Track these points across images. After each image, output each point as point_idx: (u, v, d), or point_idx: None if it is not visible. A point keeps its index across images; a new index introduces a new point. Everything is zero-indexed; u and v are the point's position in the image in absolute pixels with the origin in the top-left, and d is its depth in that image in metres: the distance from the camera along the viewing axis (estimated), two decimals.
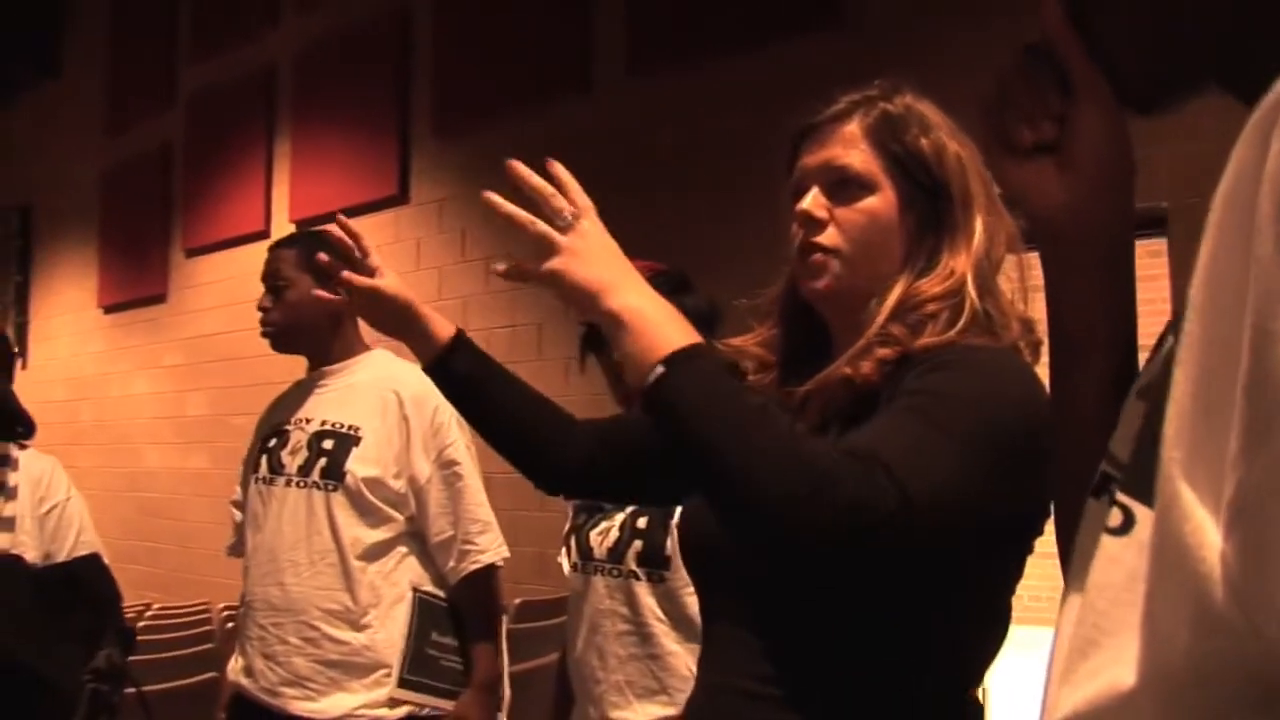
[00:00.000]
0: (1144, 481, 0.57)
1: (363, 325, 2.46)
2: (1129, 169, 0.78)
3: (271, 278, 2.45)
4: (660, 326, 1.03)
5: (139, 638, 4.34)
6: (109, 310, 9.02)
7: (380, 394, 2.39)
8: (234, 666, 2.41)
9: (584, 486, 1.58)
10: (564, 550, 2.21)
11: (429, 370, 1.44)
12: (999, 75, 0.81)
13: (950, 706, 1.17)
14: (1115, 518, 0.60)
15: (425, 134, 6.42)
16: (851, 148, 1.23)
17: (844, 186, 1.23)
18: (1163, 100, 0.73)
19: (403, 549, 2.36)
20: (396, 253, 6.32)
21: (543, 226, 1.11)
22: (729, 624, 1.22)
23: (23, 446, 2.45)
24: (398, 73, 6.62)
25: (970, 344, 1.14)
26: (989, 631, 1.20)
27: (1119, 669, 0.55)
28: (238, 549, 2.54)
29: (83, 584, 2.36)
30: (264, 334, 2.49)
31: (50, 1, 9.92)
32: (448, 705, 2.31)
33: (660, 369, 0.99)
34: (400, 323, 1.45)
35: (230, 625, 4.74)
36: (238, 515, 2.55)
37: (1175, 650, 0.51)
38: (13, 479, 2.36)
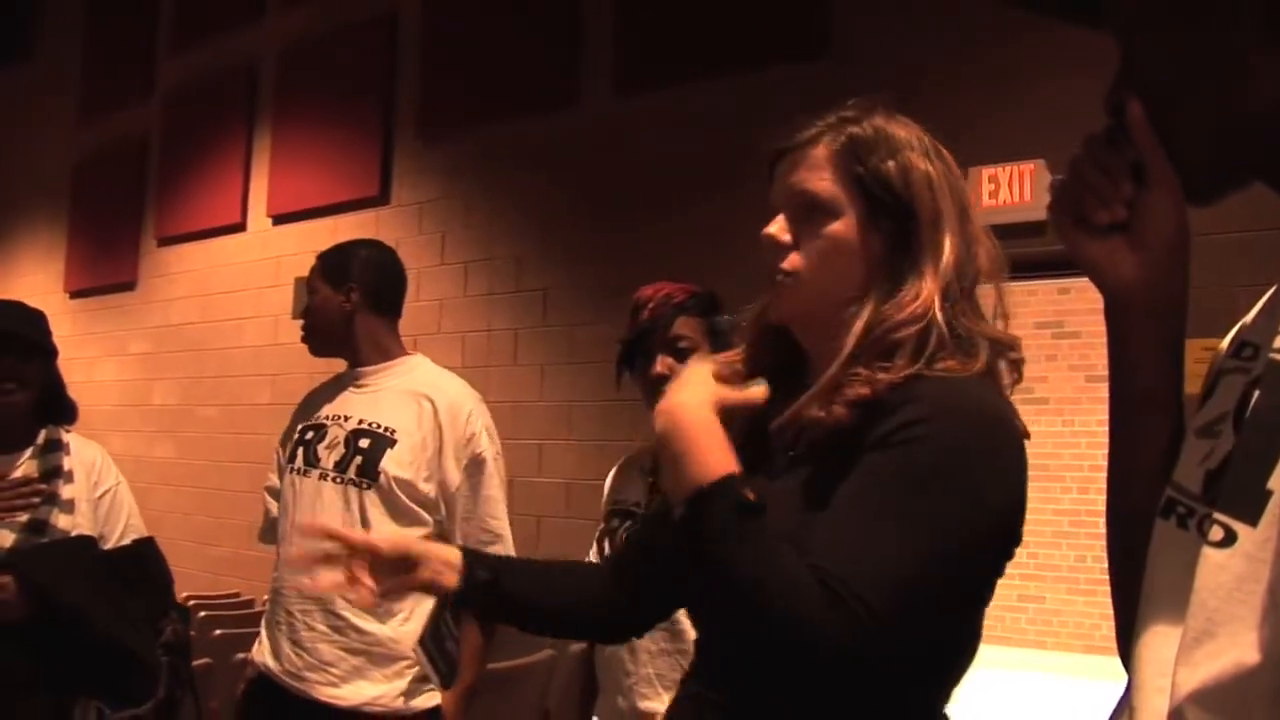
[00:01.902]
0: (1243, 506, 0.74)
1: (402, 330, 2.65)
2: (1188, 248, 0.92)
3: (307, 284, 2.64)
4: (684, 465, 1.12)
5: None
6: (75, 295, 8.95)
7: (417, 399, 2.51)
8: (260, 649, 2.48)
9: (644, 625, 1.56)
10: (594, 549, 2.31)
11: (460, 598, 1.41)
12: (1074, 160, 0.93)
13: None
14: (1216, 534, 0.76)
15: (409, 137, 6.46)
16: (817, 172, 1.25)
17: (809, 211, 1.25)
18: (1218, 194, 0.88)
19: None
20: None
21: None
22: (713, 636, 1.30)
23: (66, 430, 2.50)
24: (383, 74, 6.65)
25: (940, 379, 1.15)
26: (960, 649, 1.23)
27: (1238, 650, 0.71)
28: (269, 535, 2.63)
29: (148, 563, 2.44)
30: (302, 340, 2.67)
31: None
32: (434, 691, 2.38)
33: (691, 504, 1.10)
34: (408, 569, 1.40)
35: (203, 615, 4.75)
36: (272, 503, 2.63)
37: None
38: (67, 463, 2.41)
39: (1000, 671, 7.24)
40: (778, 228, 1.26)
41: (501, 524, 2.51)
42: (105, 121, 8.83)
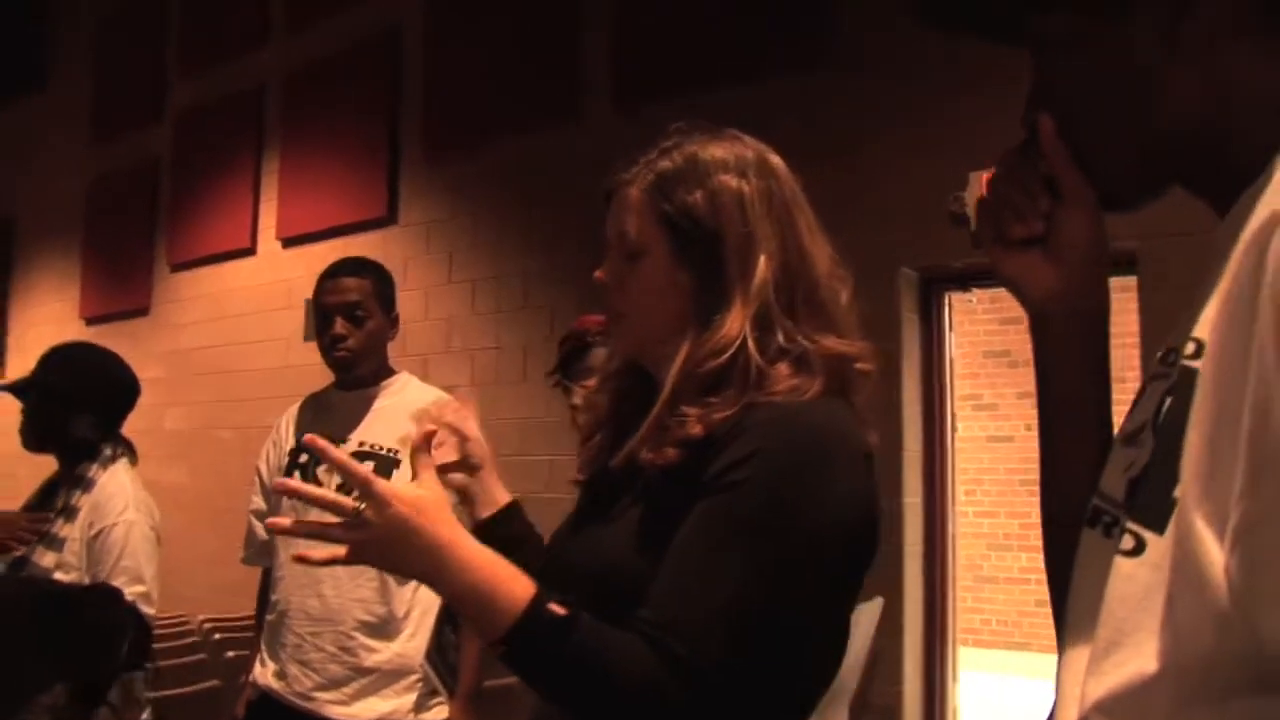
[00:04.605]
0: (1152, 514, 0.74)
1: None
2: (1106, 260, 0.93)
3: (350, 307, 2.53)
4: (484, 611, 1.08)
5: None
6: (91, 322, 9.01)
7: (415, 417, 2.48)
8: (263, 671, 2.48)
9: None
10: None
11: (476, 529, 1.44)
12: (993, 177, 0.95)
13: None
14: (1128, 542, 0.76)
15: (415, 157, 6.49)
16: (628, 213, 1.26)
17: (626, 253, 1.26)
18: (1134, 202, 0.88)
19: None
20: None
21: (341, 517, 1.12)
22: None
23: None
24: (388, 95, 6.69)
25: (771, 405, 1.13)
26: (814, 669, 1.22)
27: (1141, 660, 0.72)
28: (254, 558, 2.61)
29: (83, 612, 2.37)
30: (338, 359, 2.56)
31: (36, 11, 9.94)
32: (442, 704, 2.39)
33: (501, 647, 1.08)
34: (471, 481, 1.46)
35: (216, 637, 4.76)
36: (258, 526, 2.61)
37: (1192, 645, 0.68)
38: (80, 500, 2.42)
39: (1019, 678, 7.20)
40: (601, 270, 1.29)
41: None
42: (117, 148, 8.91)
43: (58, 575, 2.40)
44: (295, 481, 1.14)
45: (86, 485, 2.46)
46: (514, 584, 1.08)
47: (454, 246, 6.18)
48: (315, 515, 1.14)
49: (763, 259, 1.19)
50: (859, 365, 1.21)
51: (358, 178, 6.76)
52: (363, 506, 1.09)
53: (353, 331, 2.54)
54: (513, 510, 1.47)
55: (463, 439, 1.43)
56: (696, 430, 1.13)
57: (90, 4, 9.45)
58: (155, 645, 4.72)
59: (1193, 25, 0.78)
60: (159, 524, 2.54)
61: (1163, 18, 0.79)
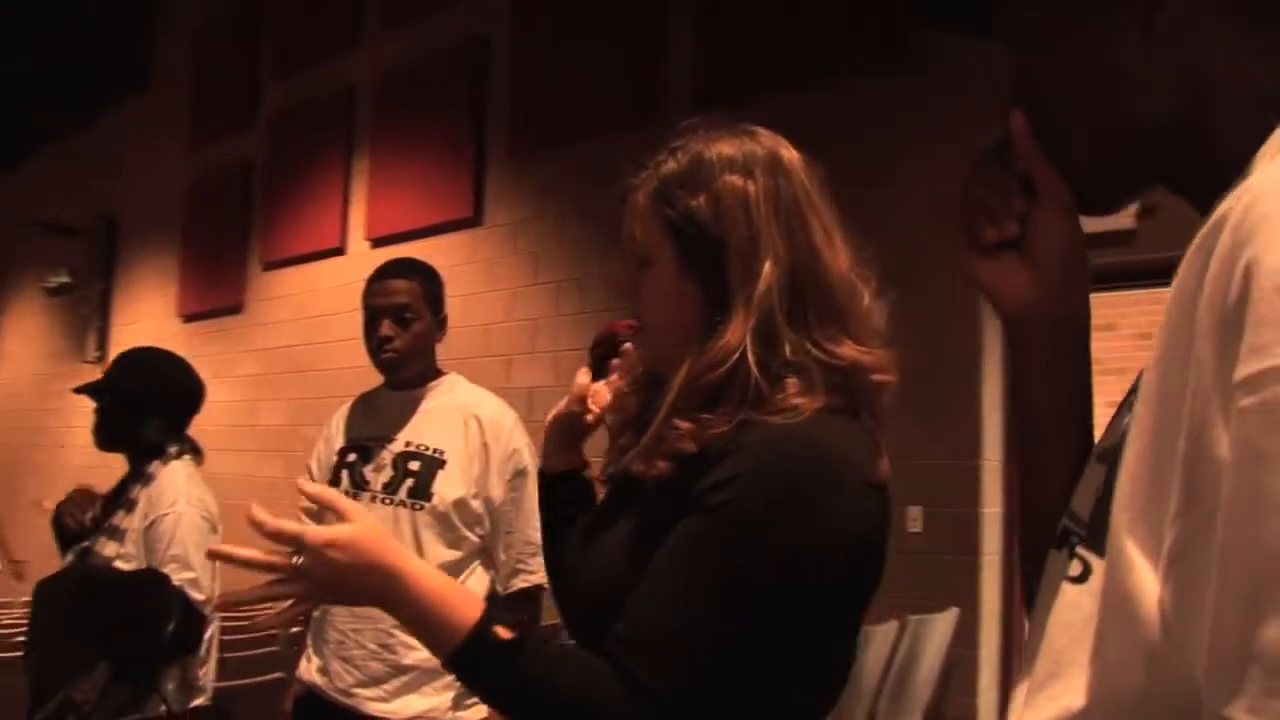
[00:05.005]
0: (1100, 537, 0.68)
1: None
2: (1085, 264, 0.87)
3: (399, 309, 2.54)
4: (433, 634, 1.10)
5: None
6: (188, 319, 9.28)
7: (463, 418, 2.53)
8: (308, 666, 2.53)
9: None
10: None
11: (544, 476, 1.44)
12: (966, 178, 0.89)
13: None
14: (1075, 568, 0.71)
15: (501, 158, 6.56)
16: (637, 220, 1.21)
17: (639, 260, 1.21)
18: (1112, 202, 0.82)
19: (476, 562, 2.52)
20: (469, 274, 6.47)
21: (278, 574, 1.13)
22: None
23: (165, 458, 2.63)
24: (474, 97, 6.77)
25: (766, 425, 1.07)
26: (831, 669, 1.17)
27: (1072, 695, 0.66)
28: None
29: (127, 597, 2.47)
30: (386, 360, 2.57)
31: (139, 17, 10.26)
32: (478, 701, 2.42)
33: (450, 667, 1.09)
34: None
35: (295, 630, 4.86)
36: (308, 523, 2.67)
37: (1120, 679, 0.62)
38: (139, 494, 2.53)
39: None
40: (621, 277, 1.25)
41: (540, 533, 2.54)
42: (213, 150, 9.16)
43: (117, 564, 2.50)
44: (226, 547, 1.15)
45: (147, 480, 2.58)
46: (463, 608, 1.09)
47: (539, 247, 6.24)
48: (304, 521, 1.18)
49: (768, 264, 1.12)
50: (875, 377, 1.13)
51: (445, 179, 6.86)
52: (297, 560, 1.11)
53: (400, 333, 2.54)
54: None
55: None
56: (688, 445, 1.10)
57: (191, 10, 9.72)
58: (232, 636, 4.88)
59: (1165, 18, 0.73)
60: (215, 515, 2.61)
61: (1135, 11, 0.74)
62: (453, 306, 2.71)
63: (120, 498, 2.58)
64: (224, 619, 6.04)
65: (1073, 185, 0.82)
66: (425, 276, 2.60)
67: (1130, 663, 0.61)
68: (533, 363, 5.98)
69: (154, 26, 10.29)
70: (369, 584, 1.10)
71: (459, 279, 6.67)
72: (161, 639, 2.41)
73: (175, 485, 2.56)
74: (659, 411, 1.14)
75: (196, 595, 2.48)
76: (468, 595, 1.13)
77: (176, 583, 2.46)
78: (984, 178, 0.87)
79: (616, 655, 1.05)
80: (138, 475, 2.59)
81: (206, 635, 2.58)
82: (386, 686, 2.41)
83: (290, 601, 1.15)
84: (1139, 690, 0.61)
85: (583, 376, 1.38)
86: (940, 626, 4.05)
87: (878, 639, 3.69)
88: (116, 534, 2.51)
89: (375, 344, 2.56)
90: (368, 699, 2.42)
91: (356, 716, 2.43)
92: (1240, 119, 0.69)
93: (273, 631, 3.78)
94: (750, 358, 1.09)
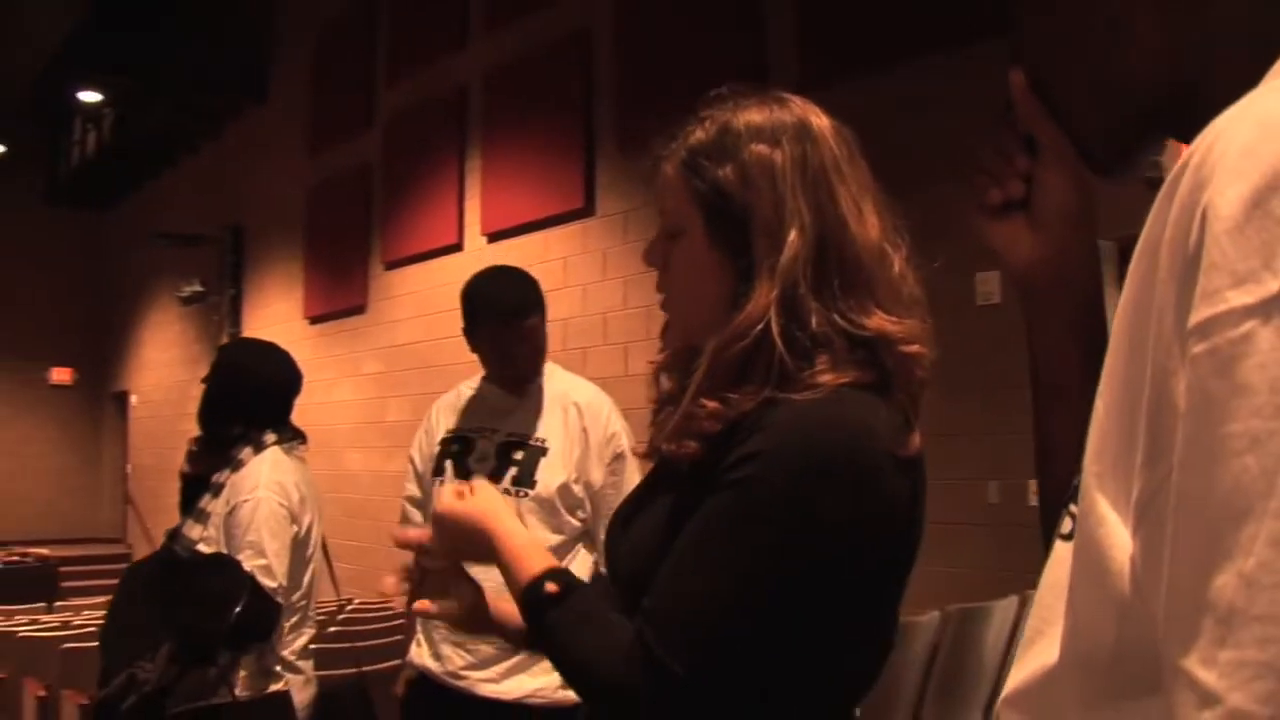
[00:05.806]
0: None
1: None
2: (1091, 221, 0.86)
3: (534, 339, 2.63)
4: (510, 582, 1.21)
5: (333, 629, 4.65)
6: (314, 321, 9.57)
7: (562, 406, 2.59)
8: (419, 651, 2.60)
9: None
10: None
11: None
12: (978, 142, 0.87)
13: None
14: (1066, 525, 0.69)
15: (610, 148, 6.60)
16: (667, 192, 1.19)
17: (668, 233, 1.20)
18: (1117, 160, 0.79)
19: (579, 545, 2.57)
20: (584, 264, 6.54)
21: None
22: None
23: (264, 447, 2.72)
24: (581, 89, 6.83)
25: (790, 402, 1.06)
26: (862, 652, 1.16)
27: (1050, 652, 0.65)
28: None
29: (194, 578, 2.53)
30: (521, 373, 2.63)
31: (257, 32, 10.59)
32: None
33: (528, 594, 1.18)
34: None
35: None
36: (415, 514, 2.71)
37: (1092, 635, 0.61)
38: (226, 479, 2.62)
39: None
40: (647, 253, 1.24)
41: None
42: (331, 155, 9.42)
43: (200, 547, 2.58)
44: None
45: (236, 466, 2.65)
46: (531, 562, 1.19)
47: (651, 234, 6.23)
48: (448, 488, 1.30)
49: (793, 233, 1.10)
50: (903, 348, 1.10)
51: (556, 171, 6.94)
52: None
53: (532, 355, 2.63)
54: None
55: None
56: (714, 426, 1.09)
57: (305, 21, 10.00)
58: (363, 627, 5.02)
59: None
60: (295, 503, 2.66)
61: None
62: (571, 296, 2.74)
63: (210, 483, 2.66)
64: (368, 609, 6.24)
65: (1078, 144, 0.81)
66: (539, 295, 2.62)
67: (1101, 618, 0.60)
68: (651, 348, 5.98)
69: (270, 40, 10.61)
70: (477, 546, 1.25)
71: (574, 269, 6.76)
72: (225, 621, 2.42)
73: (258, 472, 2.63)
74: (688, 391, 1.14)
75: (268, 582, 2.51)
76: (541, 554, 1.22)
77: (248, 569, 2.49)
78: (991, 140, 0.87)
79: (640, 627, 1.08)
80: (228, 461, 2.66)
81: (285, 623, 2.61)
82: (496, 668, 2.48)
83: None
84: (1110, 645, 0.59)
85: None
86: (995, 615, 3.89)
87: (918, 634, 3.55)
88: (202, 517, 2.60)
89: (508, 365, 2.60)
90: (479, 680, 2.49)
91: (467, 697, 2.50)
92: (1240, 68, 0.66)
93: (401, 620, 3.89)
94: (775, 329, 1.08)
